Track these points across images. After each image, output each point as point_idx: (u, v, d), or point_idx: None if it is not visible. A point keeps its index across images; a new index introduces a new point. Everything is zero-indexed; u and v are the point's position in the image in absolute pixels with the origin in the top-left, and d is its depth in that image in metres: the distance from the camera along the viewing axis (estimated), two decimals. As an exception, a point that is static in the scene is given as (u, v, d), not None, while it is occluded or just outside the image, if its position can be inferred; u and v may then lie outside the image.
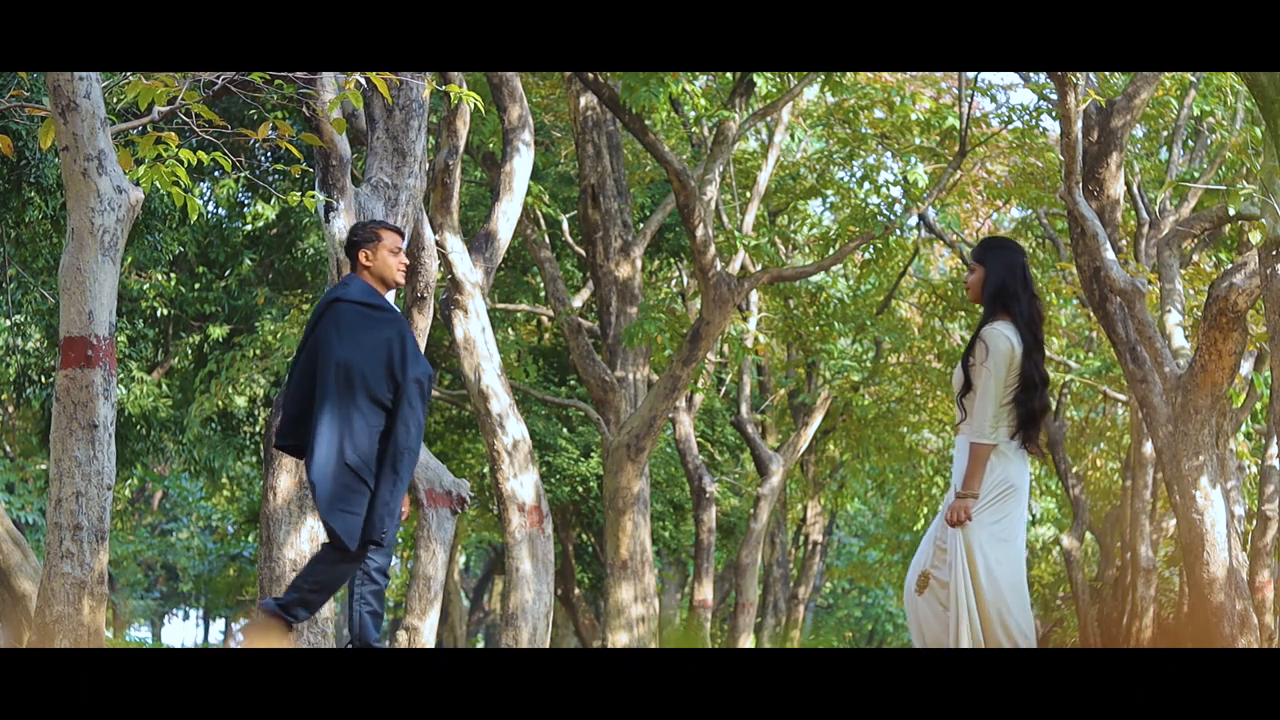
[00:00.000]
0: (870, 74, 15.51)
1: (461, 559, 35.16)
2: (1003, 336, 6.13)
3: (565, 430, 20.69)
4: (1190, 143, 16.00)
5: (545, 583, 11.29)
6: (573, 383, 20.54)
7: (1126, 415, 19.97)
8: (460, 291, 11.14)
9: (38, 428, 18.32)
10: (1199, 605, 10.22)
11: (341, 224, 7.73)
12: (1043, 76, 15.23)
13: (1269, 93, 7.29)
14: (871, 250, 17.53)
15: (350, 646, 6.33)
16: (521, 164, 11.70)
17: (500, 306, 18.16)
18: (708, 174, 13.65)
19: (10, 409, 20.96)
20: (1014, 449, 6.19)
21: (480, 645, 34.53)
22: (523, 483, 11.09)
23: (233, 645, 39.39)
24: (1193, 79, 14.04)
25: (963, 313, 19.16)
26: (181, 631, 59.40)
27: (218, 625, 44.16)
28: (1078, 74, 10.42)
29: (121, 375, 16.24)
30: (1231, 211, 9.80)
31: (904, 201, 15.85)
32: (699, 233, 13.35)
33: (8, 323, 14.61)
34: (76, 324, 6.10)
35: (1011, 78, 72.84)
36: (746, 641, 19.14)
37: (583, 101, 14.32)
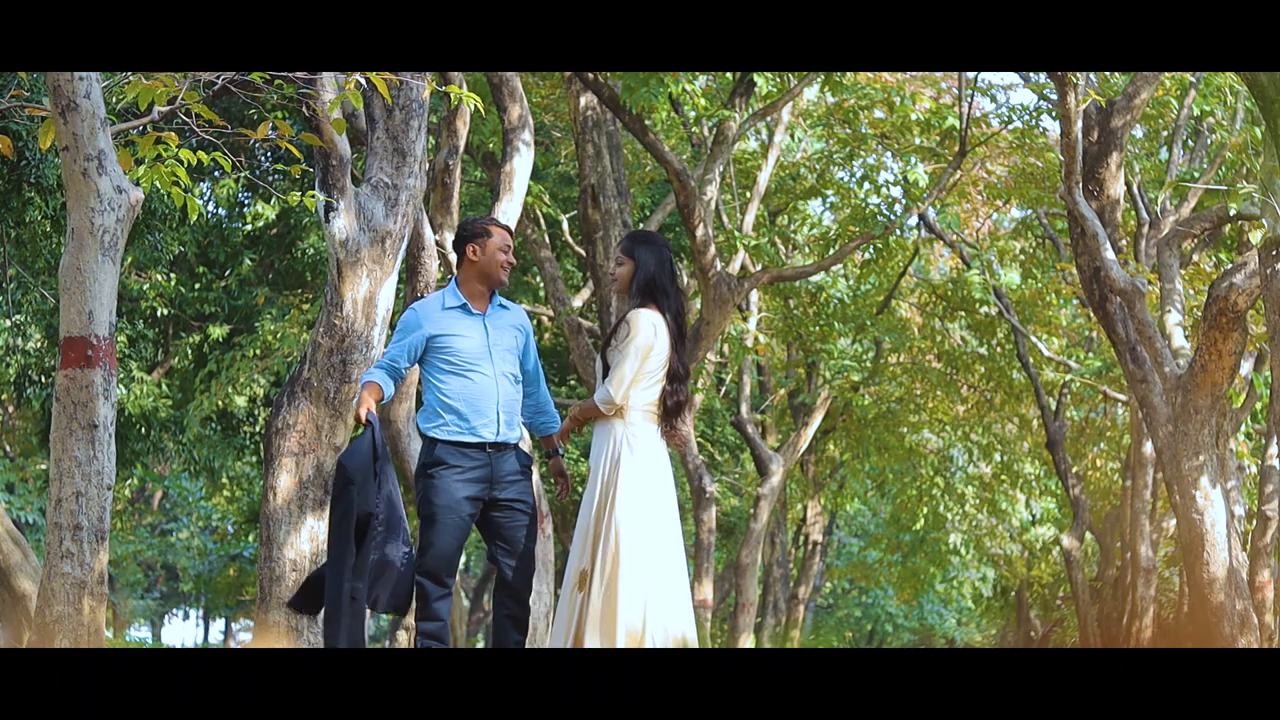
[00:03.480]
0: (870, 74, 15.50)
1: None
2: (649, 322, 6.27)
3: (565, 430, 20.66)
4: (1190, 143, 16.00)
5: (545, 583, 11.29)
6: (573, 383, 20.53)
7: (1126, 415, 19.96)
8: (460, 291, 11.13)
9: (38, 428, 18.32)
10: (1199, 605, 10.22)
11: (342, 224, 7.73)
12: (1043, 76, 15.23)
13: (1269, 93, 7.29)
14: (871, 250, 17.52)
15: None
16: (521, 164, 11.70)
17: (500, 307, 18.12)
18: (708, 174, 13.65)
19: (10, 409, 20.96)
20: (655, 438, 6.35)
21: (480, 645, 34.54)
22: (523, 483, 11.07)
23: (233, 645, 39.39)
24: (1193, 79, 14.04)
25: (962, 313, 19.17)
26: (181, 631, 59.37)
27: (218, 625, 44.15)
28: (1078, 74, 10.42)
29: (121, 375, 16.24)
30: (1231, 211, 9.80)
31: (904, 201, 15.85)
32: (699, 233, 13.35)
33: (8, 323, 14.61)
34: (76, 324, 6.10)
35: (1011, 78, 72.85)
36: (746, 641, 19.14)
37: (583, 101, 14.31)
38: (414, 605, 6.61)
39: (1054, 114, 16.15)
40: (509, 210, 11.54)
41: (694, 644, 6.19)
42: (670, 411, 6.35)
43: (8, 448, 21.96)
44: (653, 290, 6.36)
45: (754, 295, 18.77)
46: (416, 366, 10.23)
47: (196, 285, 17.03)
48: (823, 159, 18.62)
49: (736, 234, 15.65)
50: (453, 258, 11.02)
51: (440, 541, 6.41)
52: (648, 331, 6.26)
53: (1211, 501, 10.19)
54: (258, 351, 16.67)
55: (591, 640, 6.03)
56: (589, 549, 6.18)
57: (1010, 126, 16.92)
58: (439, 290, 6.71)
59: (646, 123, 13.27)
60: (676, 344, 6.35)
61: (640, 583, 6.09)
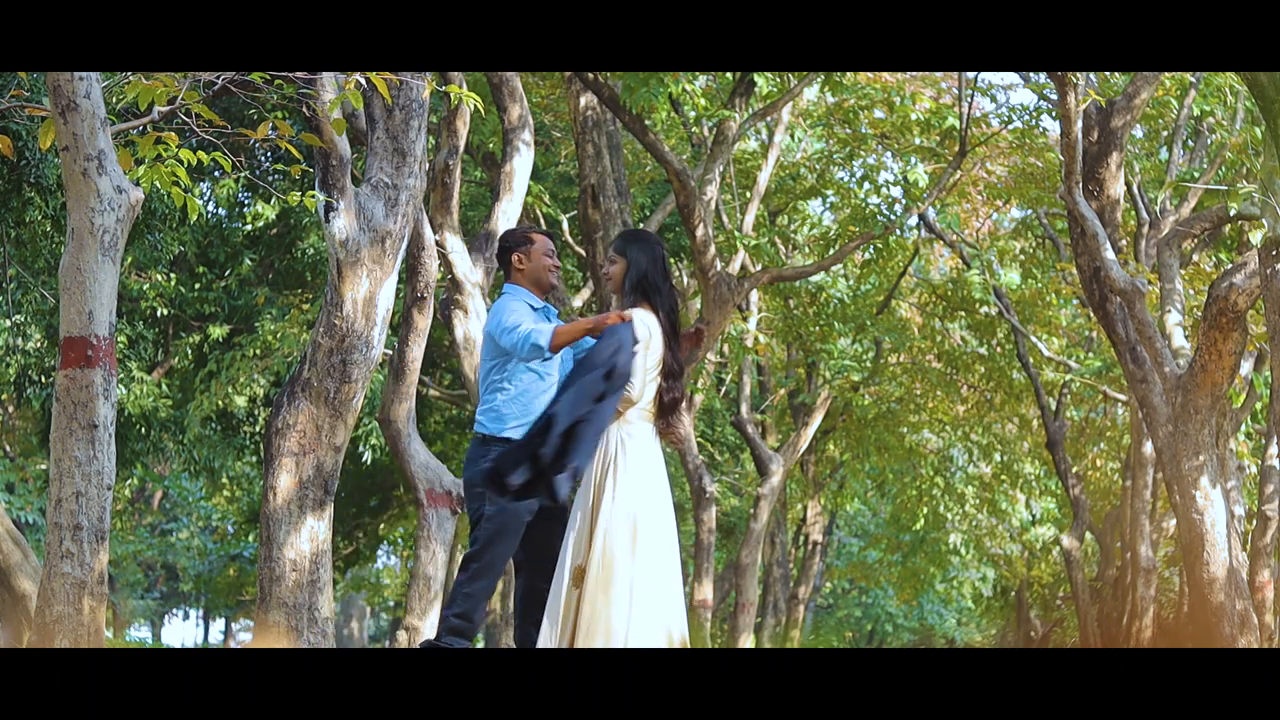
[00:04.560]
0: (870, 74, 15.51)
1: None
2: (642, 323, 6.26)
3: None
4: (1190, 143, 16.00)
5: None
6: (573, 382, 20.50)
7: (1126, 415, 19.96)
8: (460, 291, 11.14)
9: (38, 428, 18.32)
10: (1199, 605, 10.22)
11: (342, 224, 7.72)
12: (1043, 76, 15.23)
13: (1269, 93, 7.29)
14: (871, 250, 17.53)
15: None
16: (521, 164, 11.69)
17: (500, 306, 18.11)
18: (708, 174, 13.65)
19: (10, 409, 20.96)
20: (650, 435, 6.32)
21: (480, 645, 34.54)
22: (523, 483, 11.05)
23: (233, 645, 39.40)
24: (1193, 79, 14.04)
25: (962, 313, 19.17)
26: (181, 631, 59.42)
27: (218, 625, 44.16)
28: (1078, 74, 10.42)
29: (121, 375, 16.24)
30: (1231, 211, 9.80)
31: (904, 201, 15.85)
32: (699, 233, 13.35)
33: (8, 323, 14.61)
34: (76, 324, 6.10)
35: (1011, 78, 72.87)
36: (746, 641, 19.14)
37: (583, 101, 14.31)
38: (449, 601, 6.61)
39: (1054, 114, 16.14)
40: (509, 210, 11.53)
41: (686, 641, 6.21)
42: (666, 408, 6.37)
43: (8, 448, 21.96)
44: (645, 289, 6.38)
45: (754, 295, 18.77)
46: (417, 366, 10.24)
47: (196, 285, 17.03)
48: (823, 159, 18.62)
49: (736, 234, 15.65)
50: (453, 258, 11.04)
51: (503, 544, 6.44)
52: (642, 331, 6.28)
53: (1211, 501, 10.19)
54: (258, 351, 16.67)
55: (589, 637, 6.04)
56: (584, 546, 6.20)
57: (1010, 126, 16.92)
58: (508, 294, 6.71)
59: (646, 123, 13.27)
60: (670, 341, 6.36)
61: (633, 581, 6.10)
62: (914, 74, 16.99)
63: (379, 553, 31.00)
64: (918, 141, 16.58)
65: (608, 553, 6.13)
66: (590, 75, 13.11)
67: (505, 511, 6.40)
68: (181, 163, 7.29)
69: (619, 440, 6.28)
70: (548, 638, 6.18)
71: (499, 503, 6.38)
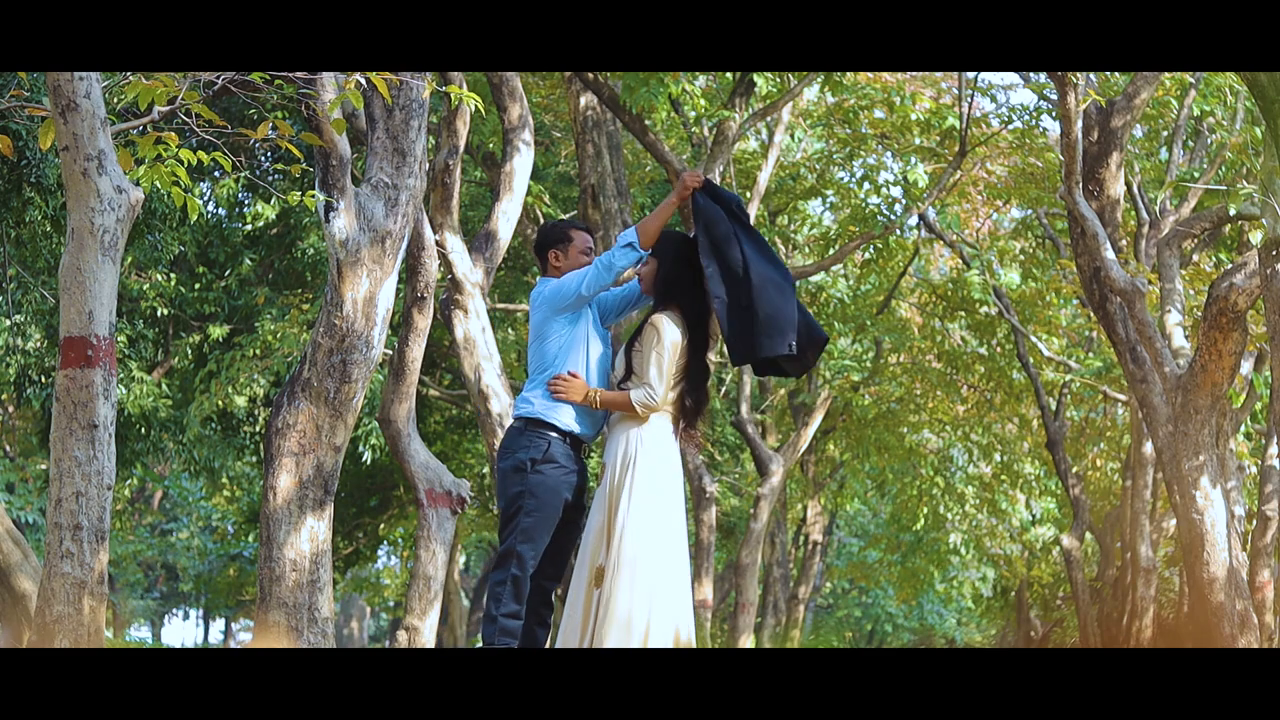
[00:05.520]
0: (870, 74, 15.51)
1: (461, 559, 35.17)
2: (669, 326, 6.25)
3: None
4: (1190, 143, 16.01)
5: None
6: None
7: (1126, 415, 19.96)
8: (460, 291, 11.14)
9: (38, 428, 18.32)
10: (1199, 605, 10.22)
11: (342, 224, 7.72)
12: (1043, 76, 15.23)
13: (1269, 93, 7.29)
14: (871, 250, 17.52)
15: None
16: (521, 164, 11.69)
17: (500, 306, 18.17)
18: (708, 174, 13.64)
19: (10, 409, 20.96)
20: (669, 438, 6.30)
21: (480, 645, 34.55)
22: (523, 483, 11.04)
23: (233, 645, 39.41)
24: (1193, 79, 14.04)
25: (962, 313, 19.17)
26: (181, 631, 59.43)
27: (218, 625, 44.16)
28: (1078, 74, 10.42)
29: (121, 375, 16.24)
30: (1231, 211, 9.80)
31: (904, 201, 15.85)
32: (699, 233, 13.33)
33: (8, 323, 14.61)
34: (76, 324, 6.10)
35: (1011, 78, 72.85)
36: (746, 641, 19.13)
37: (583, 101, 14.31)
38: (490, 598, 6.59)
39: (1054, 114, 16.15)
40: (509, 210, 11.53)
41: (693, 640, 6.23)
42: (689, 413, 6.33)
43: (8, 448, 21.97)
44: (673, 290, 6.35)
45: (754, 295, 18.72)
46: (417, 366, 10.23)
47: (196, 285, 17.03)
48: (823, 159, 18.62)
49: (737, 234, 15.61)
50: (453, 258, 11.04)
51: (543, 537, 6.38)
52: (669, 334, 6.25)
53: (1211, 501, 10.19)
54: (258, 351, 16.67)
55: (610, 636, 6.05)
56: (604, 546, 6.20)
57: (1010, 126, 16.92)
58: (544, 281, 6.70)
59: (646, 123, 13.27)
60: (697, 346, 6.32)
61: (650, 581, 6.12)
62: (914, 74, 17.00)
63: (379, 553, 30.99)
64: (918, 141, 16.58)
65: (628, 552, 6.13)
66: (590, 75, 13.11)
67: (544, 505, 6.36)
68: (181, 163, 7.29)
69: (638, 440, 6.27)
70: (567, 637, 6.19)
71: (538, 497, 6.33)
